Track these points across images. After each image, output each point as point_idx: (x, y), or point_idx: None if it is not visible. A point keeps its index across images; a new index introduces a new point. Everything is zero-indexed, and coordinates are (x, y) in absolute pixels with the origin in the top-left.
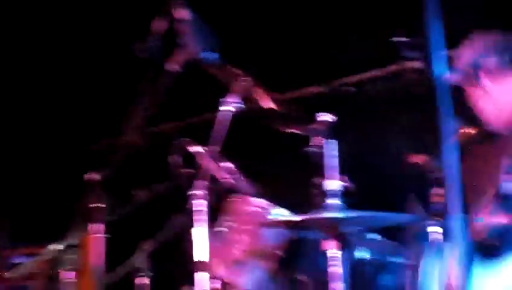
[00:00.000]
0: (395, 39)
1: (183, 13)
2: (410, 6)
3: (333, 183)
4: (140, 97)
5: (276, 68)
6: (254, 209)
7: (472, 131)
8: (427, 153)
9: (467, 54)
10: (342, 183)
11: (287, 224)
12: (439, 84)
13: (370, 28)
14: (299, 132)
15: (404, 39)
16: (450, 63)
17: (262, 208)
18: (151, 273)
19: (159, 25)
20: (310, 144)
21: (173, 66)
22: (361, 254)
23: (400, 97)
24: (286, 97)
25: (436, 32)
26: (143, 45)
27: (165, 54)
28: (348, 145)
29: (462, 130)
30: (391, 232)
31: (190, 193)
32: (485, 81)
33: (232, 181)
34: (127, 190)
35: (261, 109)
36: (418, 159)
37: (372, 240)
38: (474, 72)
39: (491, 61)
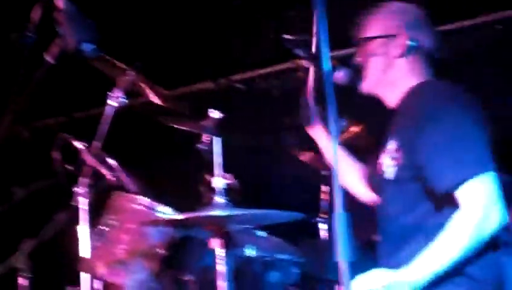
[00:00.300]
0: (283, 36)
1: (59, 2)
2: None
3: (219, 181)
4: (15, 90)
5: (168, 64)
6: (138, 207)
7: (357, 129)
8: (316, 151)
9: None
10: (226, 181)
11: (171, 223)
12: (326, 83)
13: (262, 26)
14: (188, 128)
15: (292, 37)
16: (337, 62)
17: (146, 206)
18: (30, 274)
19: (37, 14)
20: (200, 140)
21: (49, 57)
22: (248, 251)
23: (290, 95)
24: (176, 93)
25: (323, 32)
26: (20, 34)
27: (44, 45)
28: (239, 142)
29: (349, 129)
30: (279, 229)
31: (74, 190)
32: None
33: (116, 178)
34: (5, 188)
35: (148, 104)
36: (307, 156)
37: (258, 237)
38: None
39: None
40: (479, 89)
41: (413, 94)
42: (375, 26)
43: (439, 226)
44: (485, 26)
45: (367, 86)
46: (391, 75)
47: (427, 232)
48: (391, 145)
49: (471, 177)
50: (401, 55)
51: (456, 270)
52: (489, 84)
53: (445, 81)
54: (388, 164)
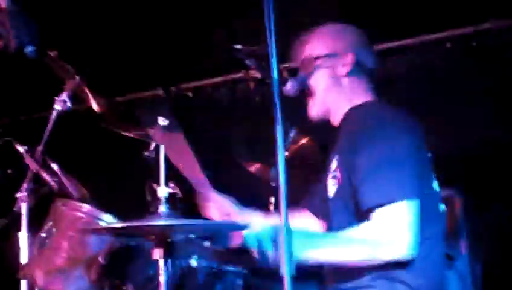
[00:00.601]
0: (234, 46)
1: (1, 1)
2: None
3: (162, 190)
4: None
5: (119, 70)
6: (79, 214)
7: (305, 140)
8: (266, 162)
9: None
10: (170, 190)
11: (112, 231)
12: (274, 94)
13: (214, 35)
14: (134, 135)
15: (242, 47)
16: (287, 74)
17: (88, 213)
18: None
19: None
20: (148, 149)
21: None
22: (192, 261)
23: (241, 105)
24: (126, 99)
25: (273, 44)
26: None
27: None
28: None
29: (298, 140)
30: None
31: (16, 195)
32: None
33: (59, 184)
34: None
35: (93, 110)
36: (255, 167)
37: (203, 248)
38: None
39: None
40: (419, 107)
41: (353, 115)
42: (320, 45)
43: None
44: (435, 43)
45: (314, 112)
46: (335, 94)
47: None
48: (333, 164)
49: (388, 203)
50: (346, 74)
51: (392, 277)
52: (436, 103)
53: (386, 103)
54: (331, 183)
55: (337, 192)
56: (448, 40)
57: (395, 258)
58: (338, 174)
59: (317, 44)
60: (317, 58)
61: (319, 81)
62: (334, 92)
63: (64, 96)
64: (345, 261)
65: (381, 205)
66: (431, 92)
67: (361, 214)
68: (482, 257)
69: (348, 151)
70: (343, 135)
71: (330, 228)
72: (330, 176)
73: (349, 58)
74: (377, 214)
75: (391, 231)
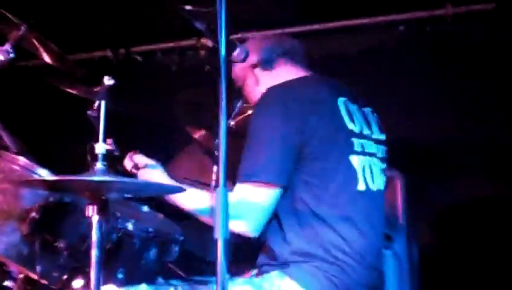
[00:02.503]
0: (183, 7)
1: None
2: None
3: (100, 147)
4: None
5: (69, 29)
6: (15, 167)
7: (250, 111)
8: (210, 130)
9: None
10: (107, 146)
11: (45, 184)
12: (222, 64)
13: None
14: (79, 93)
15: (192, 8)
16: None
17: (24, 167)
18: None
19: None
20: (92, 107)
21: None
22: (128, 225)
23: (190, 72)
24: (75, 58)
25: (223, 6)
26: None
27: None
28: (129, 112)
29: (244, 110)
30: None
31: None
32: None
33: None
34: None
35: (41, 62)
36: (200, 135)
37: (140, 211)
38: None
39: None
40: (369, 87)
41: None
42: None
43: None
44: (390, 25)
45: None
46: (255, 86)
47: None
48: None
49: (242, 181)
50: (256, 66)
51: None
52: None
53: (284, 85)
54: None
55: None
56: (402, 23)
57: (237, 232)
58: None
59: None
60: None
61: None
62: (251, 83)
63: (7, 46)
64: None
65: (239, 181)
66: (381, 73)
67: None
68: (420, 238)
69: None
70: None
71: None
72: None
73: (277, 56)
74: (235, 188)
75: (238, 207)
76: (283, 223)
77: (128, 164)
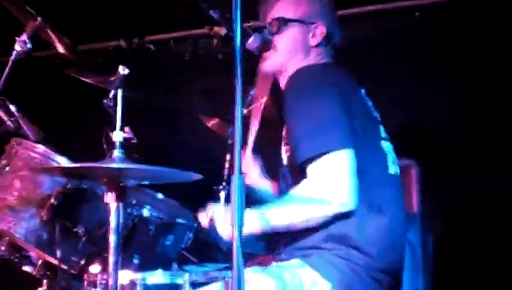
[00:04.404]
0: None
1: None
2: None
3: (117, 135)
4: None
5: (83, 19)
6: (34, 154)
7: (264, 100)
8: (223, 119)
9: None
10: (125, 134)
11: (64, 171)
12: (236, 49)
13: None
14: (94, 82)
15: None
16: (250, 29)
17: (43, 154)
18: None
19: None
20: (107, 96)
21: None
22: (144, 211)
23: (203, 60)
24: (89, 48)
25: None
26: None
27: None
28: (145, 101)
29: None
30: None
31: None
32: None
33: (16, 124)
34: None
35: (56, 53)
36: (214, 123)
37: (156, 198)
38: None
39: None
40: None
41: (289, 79)
42: (293, 8)
43: None
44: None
45: (268, 67)
46: (297, 59)
47: None
48: (284, 131)
49: (319, 155)
50: (316, 46)
51: (350, 245)
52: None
53: (330, 66)
54: (283, 150)
55: (288, 158)
56: (417, 9)
57: (335, 211)
58: (287, 140)
59: (290, 6)
60: (289, 20)
61: (285, 43)
62: (296, 57)
63: (24, 37)
64: (291, 224)
65: (313, 159)
66: (397, 60)
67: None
68: (434, 228)
69: (285, 115)
70: (283, 101)
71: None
72: (283, 142)
73: (321, 31)
74: (311, 169)
75: (327, 182)
76: None
77: (203, 219)
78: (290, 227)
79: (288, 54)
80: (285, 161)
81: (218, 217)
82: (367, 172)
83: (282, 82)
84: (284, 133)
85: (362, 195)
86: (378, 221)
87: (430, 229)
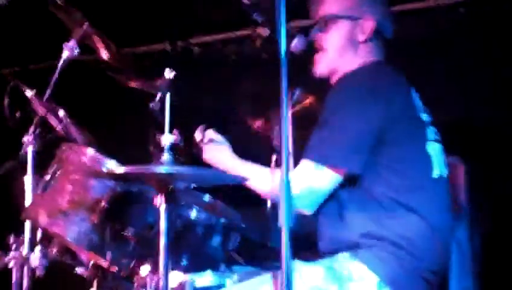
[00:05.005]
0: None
1: None
2: None
3: (166, 138)
4: None
5: (127, 22)
6: (84, 159)
7: (310, 100)
8: (271, 120)
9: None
10: (173, 138)
11: (114, 176)
12: (281, 51)
13: None
14: (142, 87)
15: (251, 0)
16: (295, 31)
17: (93, 158)
18: None
19: None
20: (154, 100)
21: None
22: (192, 213)
23: (248, 62)
24: (133, 52)
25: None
26: None
27: None
28: (189, 104)
29: (302, 100)
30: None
31: (23, 139)
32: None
33: (65, 129)
34: None
35: (101, 59)
36: (260, 124)
37: (203, 200)
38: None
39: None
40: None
41: (335, 83)
42: (341, 4)
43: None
44: (449, 8)
45: (321, 70)
46: (347, 57)
47: None
48: None
49: (308, 159)
50: (365, 41)
51: (394, 244)
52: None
53: (382, 66)
54: None
55: None
56: (461, 5)
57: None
58: None
59: (336, 2)
60: (335, 17)
61: (334, 41)
62: (346, 54)
63: (72, 42)
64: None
65: (306, 157)
66: (442, 57)
67: None
68: (482, 227)
69: None
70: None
71: None
72: None
73: (370, 26)
74: (300, 164)
75: (299, 183)
76: (351, 207)
77: (197, 136)
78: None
79: (337, 53)
80: None
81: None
82: (405, 175)
83: (333, 81)
84: None
85: (400, 198)
86: (419, 223)
87: (479, 227)
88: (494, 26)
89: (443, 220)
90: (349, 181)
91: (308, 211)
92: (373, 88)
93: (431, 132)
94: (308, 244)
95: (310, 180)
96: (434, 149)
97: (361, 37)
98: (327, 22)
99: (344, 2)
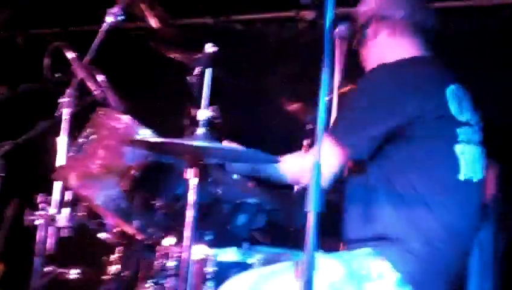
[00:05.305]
0: None
1: None
2: None
3: (203, 113)
4: None
5: None
6: (119, 125)
7: (348, 88)
8: (307, 104)
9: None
10: (210, 113)
11: (148, 145)
12: (326, 37)
13: None
14: (181, 59)
15: None
16: (341, 18)
17: (128, 125)
18: (3, 173)
19: None
20: (192, 73)
21: None
22: (218, 190)
23: (286, 44)
24: (175, 23)
25: None
26: None
27: None
28: (229, 80)
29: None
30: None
31: (60, 100)
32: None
33: (102, 94)
34: None
35: (148, 27)
36: (295, 107)
37: (232, 178)
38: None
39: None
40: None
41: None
42: (370, 2)
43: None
44: (493, 9)
45: (365, 65)
46: (382, 51)
47: None
48: None
49: (330, 136)
50: (400, 36)
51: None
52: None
53: (394, 65)
54: None
55: None
56: (507, 7)
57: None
58: None
59: (372, 2)
60: (371, 16)
61: (371, 41)
62: (385, 52)
63: (116, 9)
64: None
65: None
66: (483, 57)
67: None
68: (509, 231)
69: None
70: None
71: None
72: None
73: (402, 22)
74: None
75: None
76: (376, 202)
77: None
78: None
79: (375, 54)
80: None
81: None
82: (427, 174)
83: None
84: None
85: (422, 196)
86: (436, 223)
87: (505, 230)
88: None
89: (464, 224)
90: (360, 166)
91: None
92: (401, 83)
93: (466, 132)
94: (333, 230)
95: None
96: (466, 151)
97: (394, 34)
98: (362, 20)
99: (377, 1)
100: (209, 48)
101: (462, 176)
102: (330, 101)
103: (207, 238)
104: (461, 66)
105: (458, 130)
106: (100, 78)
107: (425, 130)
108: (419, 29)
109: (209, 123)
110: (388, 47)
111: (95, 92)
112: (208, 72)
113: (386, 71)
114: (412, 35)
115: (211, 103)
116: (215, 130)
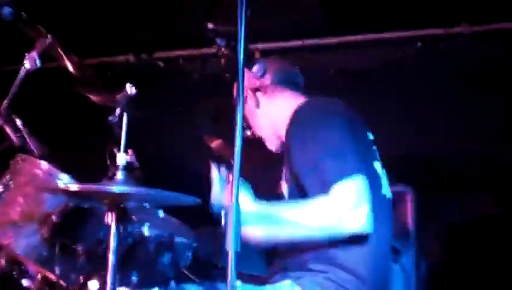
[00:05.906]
0: (207, 25)
1: None
2: None
3: (120, 157)
4: None
5: (88, 33)
6: (38, 171)
7: None
8: (227, 140)
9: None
10: (127, 157)
11: (67, 192)
12: (240, 75)
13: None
14: (101, 101)
15: (215, 27)
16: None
17: (47, 172)
18: None
19: None
20: (113, 114)
21: None
22: (144, 229)
23: (210, 80)
24: (96, 62)
25: (242, 26)
26: None
27: None
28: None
29: None
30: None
31: None
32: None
33: (21, 140)
34: None
35: (62, 70)
36: (217, 144)
37: (156, 217)
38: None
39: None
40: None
41: (291, 117)
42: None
43: None
44: (407, 41)
45: (270, 146)
46: (269, 119)
47: None
48: (284, 168)
49: (341, 178)
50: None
51: (341, 266)
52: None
53: (314, 97)
54: (284, 186)
55: (289, 194)
56: (419, 39)
57: (357, 229)
58: (287, 177)
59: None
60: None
61: (254, 108)
62: (270, 110)
63: (34, 54)
64: (308, 235)
65: (335, 181)
66: (396, 89)
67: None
68: (429, 254)
69: (287, 154)
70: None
71: None
72: (283, 179)
73: (273, 83)
74: (333, 189)
75: (350, 203)
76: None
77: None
78: (291, 230)
79: (267, 118)
80: (286, 197)
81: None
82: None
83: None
84: (284, 170)
85: None
86: (367, 243)
87: (425, 254)
88: (452, 61)
89: (387, 241)
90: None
91: (368, 226)
92: (334, 111)
93: (376, 150)
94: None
95: (354, 196)
96: (381, 168)
97: (275, 93)
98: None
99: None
100: (129, 88)
101: (384, 192)
102: (250, 137)
103: (133, 279)
104: (378, 97)
105: (374, 148)
106: (18, 122)
107: (362, 150)
108: (290, 82)
109: (128, 166)
110: (275, 106)
111: (14, 138)
112: (126, 116)
113: (310, 105)
114: (288, 88)
115: (132, 143)
116: (134, 173)
